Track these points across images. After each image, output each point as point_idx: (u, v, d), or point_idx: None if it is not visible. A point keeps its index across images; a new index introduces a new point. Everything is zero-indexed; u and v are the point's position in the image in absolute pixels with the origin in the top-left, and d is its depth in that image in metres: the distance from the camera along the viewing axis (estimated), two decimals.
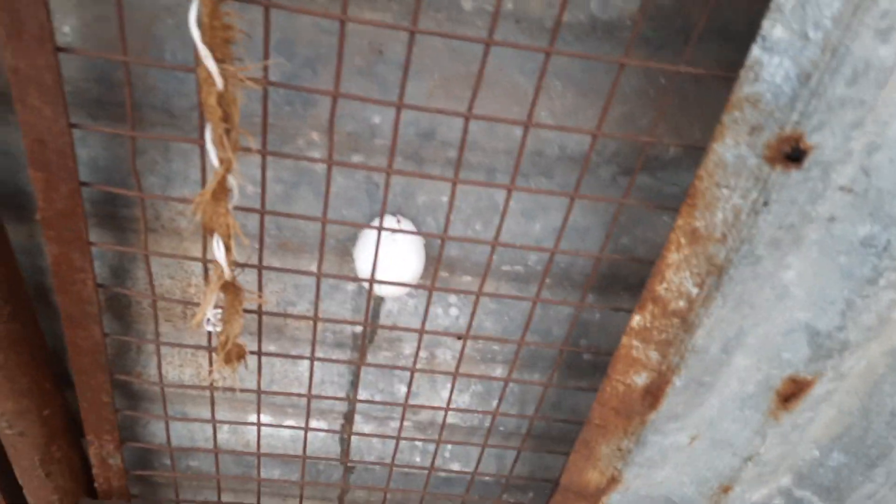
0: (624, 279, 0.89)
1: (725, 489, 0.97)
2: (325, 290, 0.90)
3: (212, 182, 0.63)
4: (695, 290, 0.71)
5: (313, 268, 0.87)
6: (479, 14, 0.73)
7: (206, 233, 0.67)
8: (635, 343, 0.78)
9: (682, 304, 0.72)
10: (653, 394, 0.82)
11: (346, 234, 0.86)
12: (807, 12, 0.53)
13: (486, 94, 0.77)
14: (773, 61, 0.56)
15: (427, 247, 0.84)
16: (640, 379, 0.80)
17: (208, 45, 0.56)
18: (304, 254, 0.86)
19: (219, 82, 0.58)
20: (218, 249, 0.67)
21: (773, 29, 0.54)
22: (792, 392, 0.83)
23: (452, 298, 0.90)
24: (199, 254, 0.87)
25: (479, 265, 0.87)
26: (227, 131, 0.61)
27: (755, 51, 0.56)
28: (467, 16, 0.73)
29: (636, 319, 0.76)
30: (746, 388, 0.83)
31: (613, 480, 0.94)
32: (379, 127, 0.77)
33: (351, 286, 0.90)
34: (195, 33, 0.55)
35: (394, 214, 0.81)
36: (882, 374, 0.83)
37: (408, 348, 0.95)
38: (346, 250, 0.87)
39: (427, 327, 0.92)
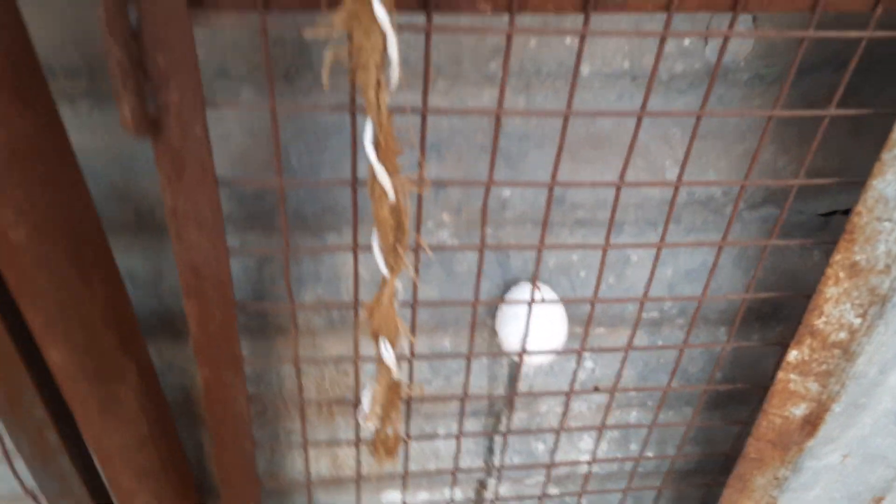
0: (757, 310, 0.89)
1: (878, 500, 0.96)
2: (459, 363, 0.90)
3: (383, 288, 0.63)
4: (857, 321, 0.71)
5: (447, 343, 0.87)
6: (596, 77, 0.73)
7: (374, 336, 0.67)
8: (792, 377, 0.78)
9: (843, 335, 0.72)
10: (811, 423, 0.81)
11: (483, 308, 0.86)
12: None
13: (609, 152, 0.77)
14: None
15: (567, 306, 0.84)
16: (799, 410, 0.80)
17: (382, 162, 0.56)
18: (439, 331, 0.86)
19: (391, 195, 0.58)
20: (386, 351, 0.67)
21: None
22: None
23: (589, 354, 0.90)
24: (332, 350, 0.86)
25: (611, 316, 0.87)
26: (398, 240, 0.61)
27: None
28: (585, 80, 0.73)
29: (793, 354, 0.76)
30: None
31: None
32: (509, 200, 0.77)
33: (483, 360, 0.90)
34: (371, 153, 0.55)
35: (529, 282, 0.81)
36: None
37: (543, 406, 0.95)
38: (482, 323, 0.86)
39: (563, 382, 0.91)
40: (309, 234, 0.78)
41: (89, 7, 0.63)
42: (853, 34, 0.57)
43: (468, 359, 0.77)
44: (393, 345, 0.67)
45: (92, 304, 0.63)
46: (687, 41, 0.72)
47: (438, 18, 0.57)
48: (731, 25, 0.58)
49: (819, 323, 0.72)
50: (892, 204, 0.62)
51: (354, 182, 0.63)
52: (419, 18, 0.54)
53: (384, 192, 0.57)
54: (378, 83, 0.52)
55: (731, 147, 0.78)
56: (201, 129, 0.55)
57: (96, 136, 0.70)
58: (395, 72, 0.51)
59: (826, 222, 0.84)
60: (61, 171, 0.56)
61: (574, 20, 0.68)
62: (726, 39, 0.58)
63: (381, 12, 0.48)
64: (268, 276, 0.79)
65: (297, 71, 0.69)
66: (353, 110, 0.58)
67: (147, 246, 0.76)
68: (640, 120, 0.61)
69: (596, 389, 0.93)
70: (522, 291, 0.80)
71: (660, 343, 0.90)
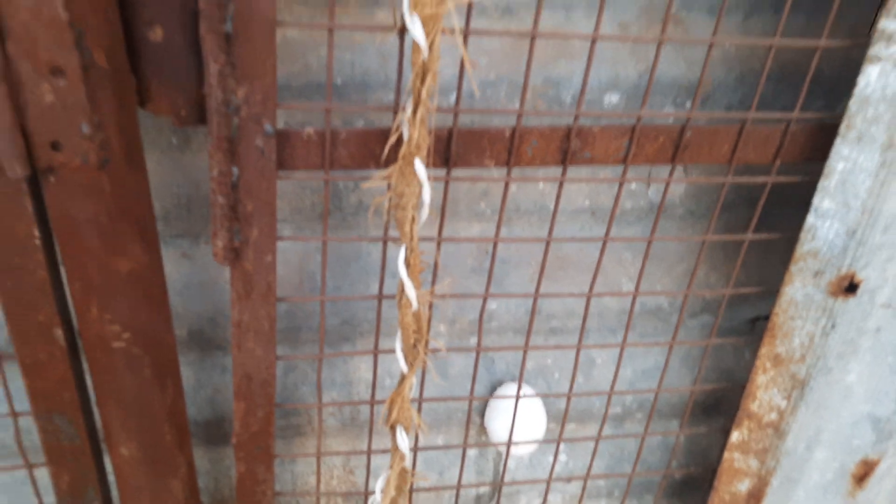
0: (703, 403, 1.05)
1: None
2: (449, 458, 1.02)
3: (402, 383, 0.77)
4: (783, 403, 0.87)
5: (440, 440, 1.00)
6: (563, 213, 0.92)
7: (391, 425, 0.80)
8: (736, 455, 0.93)
9: (773, 416, 0.89)
10: (755, 496, 0.96)
11: (473, 407, 0.99)
12: (846, 188, 0.74)
13: (574, 272, 0.94)
14: (825, 225, 0.76)
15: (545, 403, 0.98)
16: (744, 486, 0.95)
17: (410, 278, 0.71)
18: (433, 429, 0.98)
19: (415, 304, 0.73)
20: (402, 439, 0.80)
21: (822, 202, 0.75)
22: (864, 472, 0.98)
23: (562, 446, 1.04)
24: (340, 447, 0.98)
25: (581, 412, 1.02)
26: (417, 341, 0.75)
27: (810, 218, 0.76)
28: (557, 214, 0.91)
29: (735, 435, 0.91)
30: (826, 477, 0.98)
31: None
32: (495, 311, 0.93)
33: (472, 451, 1.02)
34: (403, 271, 0.70)
35: (513, 382, 0.96)
36: None
37: (523, 499, 1.07)
38: (472, 420, 0.99)
39: (541, 475, 1.04)
40: (327, 345, 0.91)
41: (173, 167, 0.79)
42: (760, 179, 0.78)
43: (464, 449, 0.90)
44: (408, 433, 0.80)
45: (161, 405, 0.75)
46: (634, 185, 0.92)
47: (455, 171, 0.74)
48: (670, 174, 0.77)
49: (754, 406, 0.88)
50: (801, 306, 0.81)
51: (381, 295, 0.78)
52: (440, 171, 0.72)
53: (409, 302, 0.72)
54: (413, 219, 0.68)
55: (673, 267, 0.97)
56: (272, 257, 0.70)
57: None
58: (425, 211, 0.67)
59: (752, 327, 1.03)
60: (157, 295, 0.69)
61: (547, 170, 0.87)
62: (667, 185, 0.78)
63: (421, 169, 0.65)
64: (292, 383, 0.92)
65: (329, 212, 0.85)
66: (386, 239, 0.74)
67: (192, 360, 0.88)
68: (604, 244, 0.79)
69: (569, 481, 1.06)
70: (508, 390, 0.94)
71: (622, 434, 1.04)
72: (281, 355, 0.79)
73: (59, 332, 0.67)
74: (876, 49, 0.68)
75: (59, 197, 0.61)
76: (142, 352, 0.71)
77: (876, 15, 0.68)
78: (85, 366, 0.73)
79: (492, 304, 0.93)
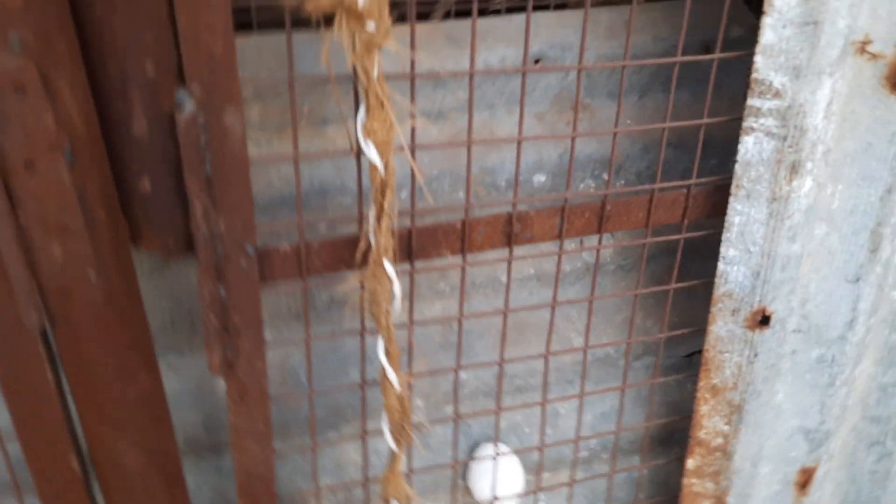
0: (658, 437, 1.16)
1: None
2: None
3: (393, 461, 0.85)
4: (726, 428, 0.99)
5: None
6: (513, 282, 1.02)
7: (385, 501, 0.88)
8: (693, 480, 1.03)
9: (719, 440, 1.00)
10: None
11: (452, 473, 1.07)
12: (745, 238, 0.86)
13: (529, 335, 1.05)
14: (733, 269, 0.88)
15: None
16: None
17: (390, 364, 0.80)
18: (422, 498, 1.06)
19: (398, 387, 0.81)
20: None
21: (728, 251, 0.87)
22: (804, 480, 1.10)
23: (541, 494, 1.12)
24: None
25: (553, 461, 1.11)
26: (402, 421, 0.84)
27: (721, 265, 0.88)
28: (503, 285, 1.02)
29: (690, 462, 1.02)
30: (773, 488, 1.09)
31: None
32: (466, 381, 1.02)
33: None
34: (383, 359, 0.79)
35: (489, 442, 1.04)
36: (854, 445, 1.13)
37: None
38: (455, 485, 1.07)
39: None
40: (314, 435, 0.98)
41: (154, 289, 0.87)
42: (673, 237, 0.90)
43: None
44: None
45: None
46: (569, 248, 1.03)
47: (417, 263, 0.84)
48: (599, 241, 0.89)
49: (702, 434, 0.99)
50: (726, 341, 0.93)
51: (364, 383, 0.86)
52: (404, 266, 0.81)
53: (392, 386, 0.81)
54: (387, 312, 0.77)
55: (613, 318, 1.09)
56: (262, 364, 0.78)
57: None
58: (398, 304, 0.77)
59: (690, 361, 1.15)
60: (161, 411, 0.76)
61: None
62: (598, 251, 0.89)
63: (390, 269, 0.74)
64: (286, 476, 0.98)
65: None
66: (363, 331, 0.83)
67: (189, 466, 0.94)
68: (553, 308, 0.90)
69: None
70: (485, 451, 1.03)
71: (592, 476, 1.14)
72: (276, 450, 0.86)
73: (74, 463, 0.73)
74: (748, 122, 0.81)
75: (71, 340, 0.68)
76: (152, 467, 0.77)
77: (745, 93, 0.82)
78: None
79: (462, 374, 1.03)
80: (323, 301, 0.95)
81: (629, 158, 1.02)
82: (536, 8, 0.94)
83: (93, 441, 0.74)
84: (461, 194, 0.96)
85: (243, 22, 0.92)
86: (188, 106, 0.63)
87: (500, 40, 0.93)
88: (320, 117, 0.90)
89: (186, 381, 0.93)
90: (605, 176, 1.02)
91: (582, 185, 1.03)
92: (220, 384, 0.95)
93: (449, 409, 1.04)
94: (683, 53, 0.81)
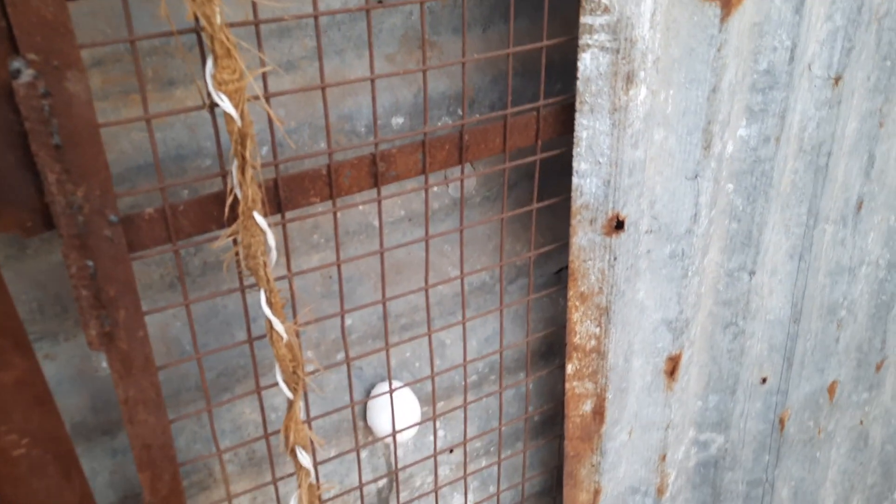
0: (539, 352, 1.23)
1: (662, 458, 1.31)
2: (345, 466, 1.12)
3: (291, 409, 0.86)
4: (597, 330, 1.07)
5: (332, 452, 1.09)
6: (385, 225, 1.05)
7: (289, 449, 0.89)
8: (575, 383, 1.11)
9: (593, 342, 1.08)
10: (598, 412, 1.15)
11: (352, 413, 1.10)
12: (593, 150, 0.93)
13: (408, 274, 1.08)
14: (586, 181, 0.95)
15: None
16: (587, 406, 1.14)
17: (275, 315, 0.81)
18: (328, 441, 1.08)
19: (285, 337, 0.82)
20: (304, 458, 0.89)
21: (580, 165, 0.94)
22: (672, 367, 1.21)
23: (438, 422, 1.17)
24: (244, 489, 1.05)
25: (445, 388, 1.16)
26: (295, 369, 0.85)
27: (575, 179, 0.95)
28: (376, 228, 1.04)
29: (569, 367, 1.09)
30: (646, 379, 1.20)
31: (597, 493, 1.24)
32: (352, 326, 1.05)
33: (363, 452, 1.13)
34: (267, 310, 0.80)
35: (384, 381, 1.08)
36: (711, 329, 1.25)
37: (418, 480, 1.19)
38: (360, 429, 1.10)
39: (427, 454, 1.17)
40: (207, 398, 0.98)
41: (17, 276, 0.83)
42: (529, 159, 0.95)
43: (357, 450, 1.01)
44: (307, 452, 0.90)
45: (72, 498, 0.79)
46: (436, 188, 1.07)
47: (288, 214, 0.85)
48: (462, 172, 0.93)
49: (576, 339, 1.07)
50: (587, 249, 1.00)
51: (251, 339, 0.87)
52: (275, 217, 0.82)
53: (280, 336, 0.82)
54: (265, 264, 0.78)
55: (485, 246, 1.14)
56: (143, 332, 0.77)
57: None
58: (274, 255, 0.78)
59: (559, 277, 1.22)
60: (43, 394, 0.74)
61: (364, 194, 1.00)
62: (462, 181, 0.93)
63: (261, 220, 0.75)
64: (184, 445, 0.97)
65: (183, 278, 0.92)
66: (243, 288, 0.83)
67: (82, 451, 0.92)
68: (427, 243, 0.93)
69: (451, 451, 1.20)
70: (381, 389, 1.06)
71: (482, 395, 1.20)
72: (172, 417, 0.86)
73: None
74: (584, 39, 0.87)
75: None
76: (42, 452, 0.75)
77: (578, 12, 0.87)
78: None
79: (348, 320, 1.05)
80: (196, 267, 0.94)
81: (480, 91, 1.06)
82: None
83: None
84: (322, 144, 0.97)
85: None
86: (25, 74, 0.60)
87: None
88: (166, 79, 0.88)
89: (65, 367, 0.90)
90: (460, 111, 1.06)
91: (440, 123, 1.07)
92: (103, 366, 0.93)
93: (339, 356, 1.06)
94: None
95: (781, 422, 1.41)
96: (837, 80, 1.07)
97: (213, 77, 0.68)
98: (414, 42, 1.00)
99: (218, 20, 0.65)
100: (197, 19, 0.65)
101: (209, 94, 0.70)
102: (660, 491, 1.32)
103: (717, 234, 1.13)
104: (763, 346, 1.30)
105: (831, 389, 1.46)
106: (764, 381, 1.35)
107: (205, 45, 0.68)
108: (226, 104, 0.69)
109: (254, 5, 0.72)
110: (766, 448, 1.42)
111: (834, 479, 1.61)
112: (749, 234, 1.14)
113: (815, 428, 1.48)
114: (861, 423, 1.57)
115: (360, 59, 0.97)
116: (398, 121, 1.03)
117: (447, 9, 1.00)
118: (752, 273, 1.19)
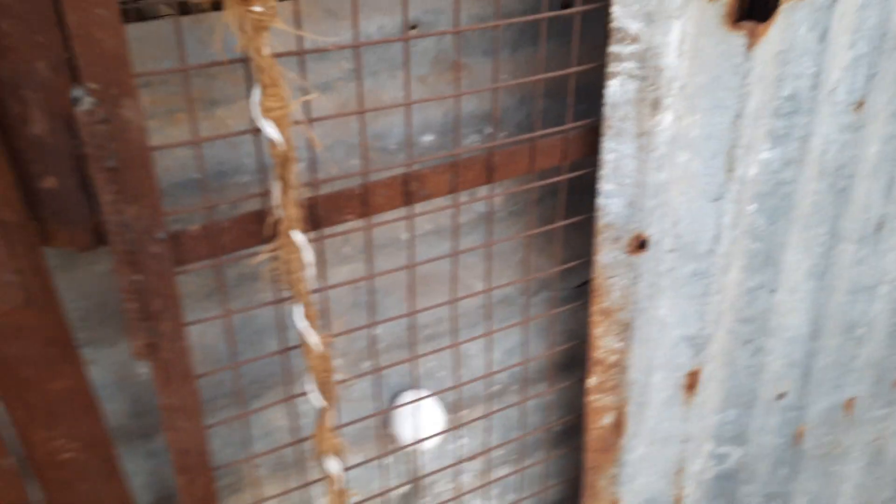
0: (561, 364, 1.26)
1: (679, 471, 1.34)
2: (370, 472, 1.15)
3: (323, 417, 0.90)
4: (619, 345, 1.09)
5: (360, 458, 1.13)
6: (414, 239, 1.08)
7: (321, 455, 0.93)
8: (596, 396, 1.14)
9: (615, 357, 1.10)
10: (618, 425, 1.18)
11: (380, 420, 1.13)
12: (619, 172, 0.96)
13: (434, 286, 1.11)
14: (611, 202, 0.98)
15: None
16: (608, 419, 1.16)
17: (312, 328, 0.85)
18: (353, 448, 1.12)
19: (319, 348, 0.86)
20: (334, 465, 0.93)
21: (606, 185, 0.96)
22: (691, 382, 1.23)
23: (462, 430, 1.20)
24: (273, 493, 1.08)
25: (469, 398, 1.19)
26: (326, 382, 0.88)
27: (600, 200, 0.97)
28: (406, 242, 1.08)
29: (591, 380, 1.12)
30: (666, 393, 1.22)
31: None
32: (380, 336, 1.08)
33: (388, 459, 1.16)
34: (300, 323, 0.83)
35: (409, 391, 1.11)
36: (730, 345, 1.27)
37: (438, 486, 1.22)
38: (381, 434, 1.14)
39: (450, 461, 1.20)
40: (240, 405, 1.02)
41: (65, 287, 0.87)
42: (556, 179, 0.98)
43: (383, 456, 1.04)
44: (337, 458, 0.93)
45: (114, 500, 0.83)
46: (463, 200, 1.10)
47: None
48: (491, 190, 0.96)
49: (599, 354, 1.10)
50: (611, 267, 1.03)
51: (286, 349, 0.90)
52: (312, 234, 0.86)
53: (312, 348, 0.86)
54: (301, 279, 0.82)
55: (509, 260, 1.17)
56: (184, 343, 0.81)
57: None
58: (311, 271, 0.81)
59: (582, 291, 1.25)
60: (89, 400, 0.78)
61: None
62: (492, 198, 0.96)
63: (300, 238, 0.78)
64: (217, 449, 1.01)
65: (216, 290, 0.96)
66: (280, 300, 0.87)
67: (120, 454, 0.96)
68: (455, 258, 0.96)
69: (474, 458, 1.23)
70: (406, 398, 1.10)
71: (505, 406, 1.23)
72: (208, 424, 0.90)
73: (7, 462, 0.74)
74: (612, 67, 0.90)
75: None
76: (88, 456, 0.79)
77: (606, 40, 0.90)
78: None
79: (376, 330, 1.08)
80: (232, 278, 0.97)
81: (508, 110, 1.09)
82: None
83: (27, 438, 0.75)
84: (355, 161, 1.01)
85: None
86: (86, 102, 0.64)
87: (375, 10, 0.96)
88: (209, 99, 0.91)
89: (106, 372, 0.94)
90: (487, 130, 1.09)
91: (467, 141, 1.10)
92: (142, 371, 0.97)
93: (367, 365, 1.09)
94: (548, 9, 0.88)
95: (798, 436, 1.43)
96: (860, 105, 1.09)
97: (260, 104, 0.71)
98: (444, 64, 1.03)
99: (265, 52, 0.68)
100: (246, 52, 0.69)
101: (256, 120, 0.73)
102: (677, 503, 1.34)
103: (738, 254, 1.15)
104: (782, 362, 1.32)
105: (848, 405, 1.47)
106: (782, 396, 1.36)
107: (252, 73, 0.71)
108: (271, 130, 0.73)
109: (300, 38, 0.76)
110: (783, 462, 1.44)
111: (849, 494, 1.62)
112: (770, 253, 1.17)
113: (832, 443, 1.50)
114: (877, 438, 1.58)
115: (393, 79, 1.01)
116: (428, 138, 1.06)
117: (477, 32, 1.03)
118: (772, 291, 1.21)
